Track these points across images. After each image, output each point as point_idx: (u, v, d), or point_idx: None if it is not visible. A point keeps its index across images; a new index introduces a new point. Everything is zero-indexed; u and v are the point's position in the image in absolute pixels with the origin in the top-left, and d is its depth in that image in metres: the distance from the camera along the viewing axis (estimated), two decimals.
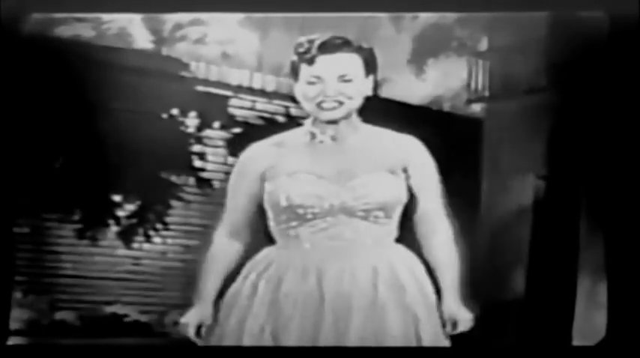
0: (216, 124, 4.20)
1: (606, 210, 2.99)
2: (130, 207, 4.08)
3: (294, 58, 2.54)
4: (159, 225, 4.09)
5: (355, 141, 2.53)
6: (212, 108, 4.18)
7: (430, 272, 2.50)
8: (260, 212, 2.52)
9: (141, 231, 4.08)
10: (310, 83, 2.50)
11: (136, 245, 4.06)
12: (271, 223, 2.52)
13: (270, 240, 2.49)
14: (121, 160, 3.90)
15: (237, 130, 4.18)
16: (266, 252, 2.52)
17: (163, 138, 4.01)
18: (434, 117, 4.30)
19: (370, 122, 2.54)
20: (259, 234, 2.54)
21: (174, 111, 4.13)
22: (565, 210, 3.88)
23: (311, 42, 2.50)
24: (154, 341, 3.84)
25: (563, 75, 3.83)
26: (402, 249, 2.54)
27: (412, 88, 4.26)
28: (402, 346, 2.43)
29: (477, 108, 4.31)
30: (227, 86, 4.25)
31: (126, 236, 4.05)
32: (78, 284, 3.98)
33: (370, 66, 2.54)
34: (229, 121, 4.20)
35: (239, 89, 4.27)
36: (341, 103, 2.50)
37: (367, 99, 2.52)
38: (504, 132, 4.16)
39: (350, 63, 2.51)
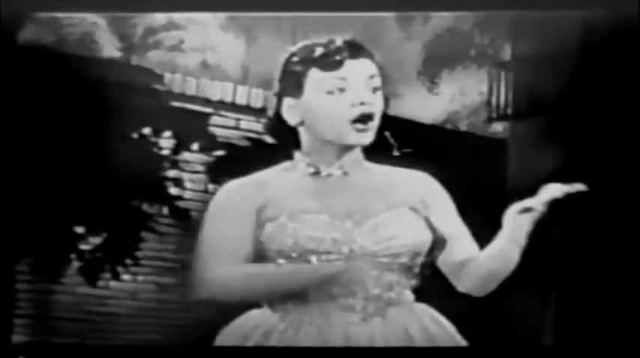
0: (195, 146, 4.01)
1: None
2: (95, 240, 3.91)
3: (297, 67, 2.20)
4: (128, 261, 3.90)
5: (362, 178, 2.26)
6: (190, 127, 4.01)
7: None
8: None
9: (107, 267, 3.90)
10: (335, 91, 2.18)
11: (101, 283, 3.87)
12: None
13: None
14: (84, 186, 3.76)
15: (219, 153, 3.98)
16: (258, 316, 2.20)
17: (133, 161, 3.80)
18: (449, 137, 4.11)
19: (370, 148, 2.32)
20: None
21: (146, 131, 3.94)
22: (600, 244, 3.67)
23: (330, 42, 2.20)
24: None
25: (595, 87, 3.68)
26: (424, 306, 2.30)
27: (423, 104, 4.05)
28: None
29: (499, 127, 4.12)
30: (207, 101, 4.09)
31: (90, 272, 3.86)
32: (36, 326, 3.79)
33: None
34: (210, 142, 4.01)
35: (221, 105, 4.10)
36: (373, 120, 2.23)
37: None
38: (531, 156, 3.95)
39: (375, 70, 2.25)
